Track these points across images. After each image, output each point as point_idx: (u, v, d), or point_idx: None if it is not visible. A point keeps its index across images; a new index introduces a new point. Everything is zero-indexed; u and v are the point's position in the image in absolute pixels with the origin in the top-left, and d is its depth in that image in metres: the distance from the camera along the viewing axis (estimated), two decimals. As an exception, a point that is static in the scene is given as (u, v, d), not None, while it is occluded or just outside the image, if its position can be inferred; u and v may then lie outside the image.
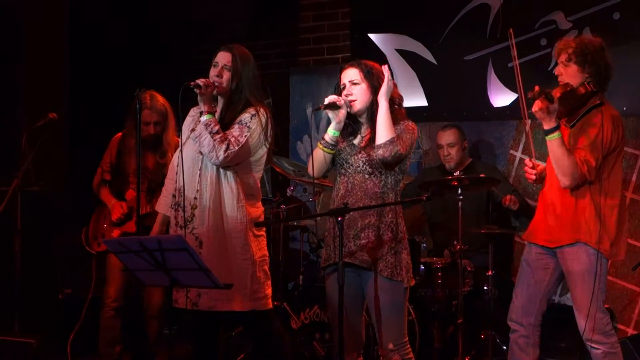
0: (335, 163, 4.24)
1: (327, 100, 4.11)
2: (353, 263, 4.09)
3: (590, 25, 5.99)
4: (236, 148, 4.19)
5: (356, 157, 4.17)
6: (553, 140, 4.25)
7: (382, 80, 4.16)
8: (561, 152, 4.24)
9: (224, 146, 4.16)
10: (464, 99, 6.58)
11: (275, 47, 7.57)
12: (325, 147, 4.14)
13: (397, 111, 4.21)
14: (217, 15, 7.80)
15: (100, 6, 7.17)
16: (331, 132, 4.13)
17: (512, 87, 6.33)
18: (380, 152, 4.06)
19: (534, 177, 4.57)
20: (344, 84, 4.20)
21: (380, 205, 4.11)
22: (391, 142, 4.04)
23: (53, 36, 6.85)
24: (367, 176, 4.14)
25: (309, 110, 7.15)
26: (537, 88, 4.20)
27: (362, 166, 4.14)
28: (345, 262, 4.02)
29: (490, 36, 6.43)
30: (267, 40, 7.53)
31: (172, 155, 5.27)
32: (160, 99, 5.30)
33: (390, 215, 4.14)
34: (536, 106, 4.22)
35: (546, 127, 4.26)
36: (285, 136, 7.18)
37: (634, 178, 5.91)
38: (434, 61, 6.69)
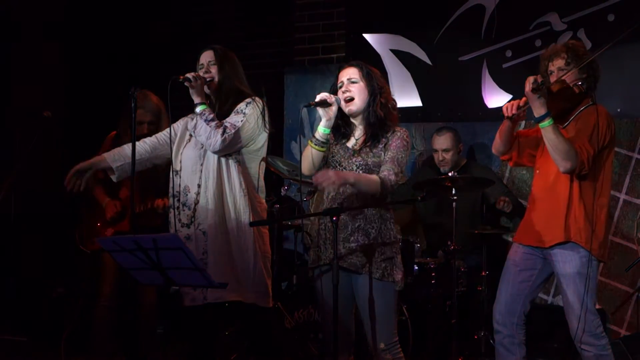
0: (328, 165, 4.22)
1: (318, 97, 4.09)
2: (342, 266, 4.06)
3: (584, 27, 6.01)
4: (232, 132, 4.24)
5: (350, 161, 4.15)
6: (548, 127, 4.23)
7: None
8: (557, 137, 4.23)
9: (220, 130, 4.22)
10: (458, 99, 6.58)
11: (269, 46, 7.57)
12: (316, 144, 4.11)
13: (390, 115, 4.19)
14: (211, 14, 7.80)
15: (95, 6, 7.16)
16: (321, 130, 4.10)
17: (506, 88, 6.35)
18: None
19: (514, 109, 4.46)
20: (341, 81, 4.18)
21: (375, 205, 4.10)
22: (382, 185, 4.02)
23: (48, 35, 6.84)
24: None
25: (304, 110, 7.13)
26: (539, 79, 4.20)
27: (356, 170, 4.12)
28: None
29: (484, 37, 6.44)
30: (262, 40, 7.53)
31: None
32: (153, 98, 5.29)
33: (378, 222, 4.11)
34: (532, 84, 4.19)
35: (538, 113, 4.23)
36: (280, 136, 7.18)
37: (627, 179, 5.92)
38: (428, 62, 6.70)
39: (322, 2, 7.23)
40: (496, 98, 6.39)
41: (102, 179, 5.50)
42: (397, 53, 6.81)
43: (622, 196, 5.92)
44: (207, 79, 4.40)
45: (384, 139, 4.14)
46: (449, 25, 6.59)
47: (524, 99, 4.41)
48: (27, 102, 6.42)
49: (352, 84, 4.15)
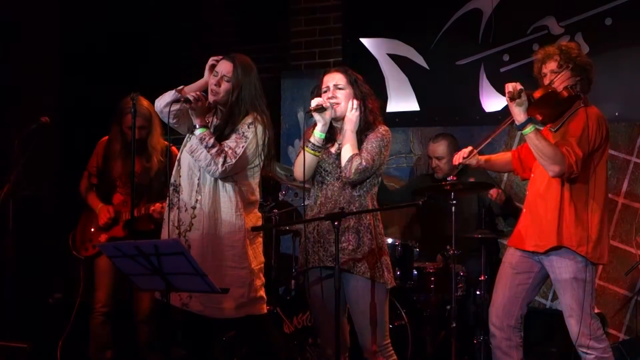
0: (315, 171, 4.24)
1: (313, 103, 4.12)
2: (331, 266, 4.07)
3: (582, 31, 6.01)
4: (233, 160, 4.16)
5: (334, 165, 4.18)
6: (530, 134, 4.23)
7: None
8: (541, 142, 4.22)
9: (220, 160, 4.14)
10: (456, 103, 6.58)
11: (266, 51, 7.53)
12: (312, 149, 4.15)
13: (376, 120, 4.21)
14: (208, 19, 7.78)
15: (91, 10, 7.13)
16: (317, 135, 4.14)
17: (504, 92, 6.32)
18: (344, 174, 4.09)
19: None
20: (327, 86, 4.20)
21: (375, 210, 4.11)
22: (349, 160, 4.06)
23: (44, 40, 6.82)
24: (344, 183, 4.14)
25: (300, 115, 7.14)
26: (517, 87, 4.19)
27: (340, 173, 4.14)
28: (327, 266, 4.09)
29: (482, 41, 6.44)
30: (259, 44, 7.49)
31: (157, 160, 5.26)
32: (144, 103, 5.18)
33: (368, 217, 4.13)
34: (507, 94, 4.21)
35: (518, 121, 4.23)
36: (277, 140, 7.16)
37: (625, 183, 5.92)
38: (426, 66, 6.69)
39: (318, 7, 7.22)
40: (493, 102, 6.39)
41: (95, 185, 5.48)
42: (394, 57, 6.80)
43: (621, 200, 5.92)
44: (213, 92, 4.28)
45: (363, 137, 4.17)
46: (446, 29, 6.59)
47: (469, 148, 4.55)
48: (24, 107, 6.39)
49: (338, 90, 4.18)
